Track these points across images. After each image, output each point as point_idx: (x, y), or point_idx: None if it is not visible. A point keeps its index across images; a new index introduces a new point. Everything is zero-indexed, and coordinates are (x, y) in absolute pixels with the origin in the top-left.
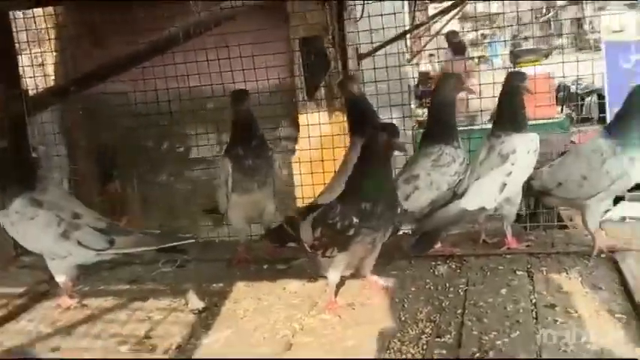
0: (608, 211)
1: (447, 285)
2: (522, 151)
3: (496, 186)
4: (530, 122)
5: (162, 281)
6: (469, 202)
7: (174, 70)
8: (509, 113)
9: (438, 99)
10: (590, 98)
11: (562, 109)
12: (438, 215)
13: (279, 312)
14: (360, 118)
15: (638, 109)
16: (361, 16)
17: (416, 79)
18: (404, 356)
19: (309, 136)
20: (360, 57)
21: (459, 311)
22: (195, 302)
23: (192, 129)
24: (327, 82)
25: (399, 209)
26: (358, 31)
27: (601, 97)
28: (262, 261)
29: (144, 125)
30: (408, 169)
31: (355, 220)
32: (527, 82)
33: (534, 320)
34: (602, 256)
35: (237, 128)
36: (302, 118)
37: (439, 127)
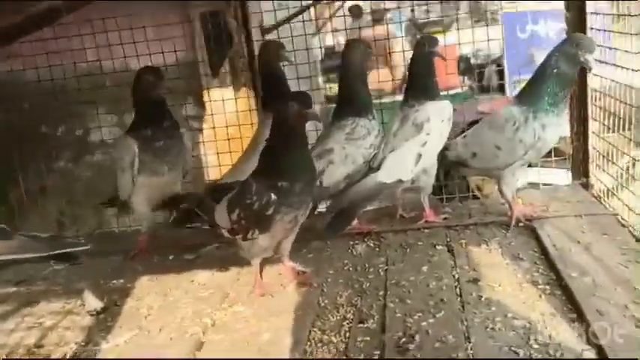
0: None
1: (367, 265)
2: (436, 120)
3: (412, 157)
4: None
5: (55, 280)
6: (386, 175)
7: (65, 45)
8: (421, 81)
9: (347, 68)
10: (489, 68)
11: (464, 79)
12: (354, 190)
13: (187, 307)
14: (275, 91)
15: (549, 75)
16: None
17: (322, 53)
18: (325, 346)
19: (213, 114)
20: (264, 31)
21: (381, 293)
22: (93, 302)
23: (91, 109)
24: (232, 56)
25: (317, 184)
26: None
27: (499, 66)
28: (167, 251)
29: (35, 106)
30: (321, 144)
31: (273, 197)
32: (439, 48)
33: (458, 298)
34: (520, 224)
35: (148, 107)
36: (207, 95)
37: (351, 99)
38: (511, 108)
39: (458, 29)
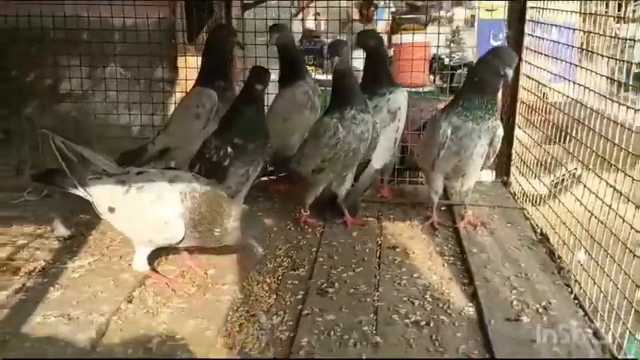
0: None
1: (306, 226)
2: (404, 107)
3: (391, 143)
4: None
5: (28, 209)
6: (377, 162)
7: None
8: (387, 71)
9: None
10: (460, 70)
11: (434, 80)
12: (361, 182)
13: None
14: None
15: (469, 81)
16: None
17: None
18: (260, 285)
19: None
20: (245, 6)
21: (314, 249)
22: (61, 230)
23: (64, 60)
24: (210, 27)
25: (269, 146)
26: None
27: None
28: None
29: (10, 53)
30: None
31: (230, 150)
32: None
33: (377, 259)
34: (442, 208)
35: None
36: (181, 61)
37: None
38: (437, 113)
39: (438, 32)
